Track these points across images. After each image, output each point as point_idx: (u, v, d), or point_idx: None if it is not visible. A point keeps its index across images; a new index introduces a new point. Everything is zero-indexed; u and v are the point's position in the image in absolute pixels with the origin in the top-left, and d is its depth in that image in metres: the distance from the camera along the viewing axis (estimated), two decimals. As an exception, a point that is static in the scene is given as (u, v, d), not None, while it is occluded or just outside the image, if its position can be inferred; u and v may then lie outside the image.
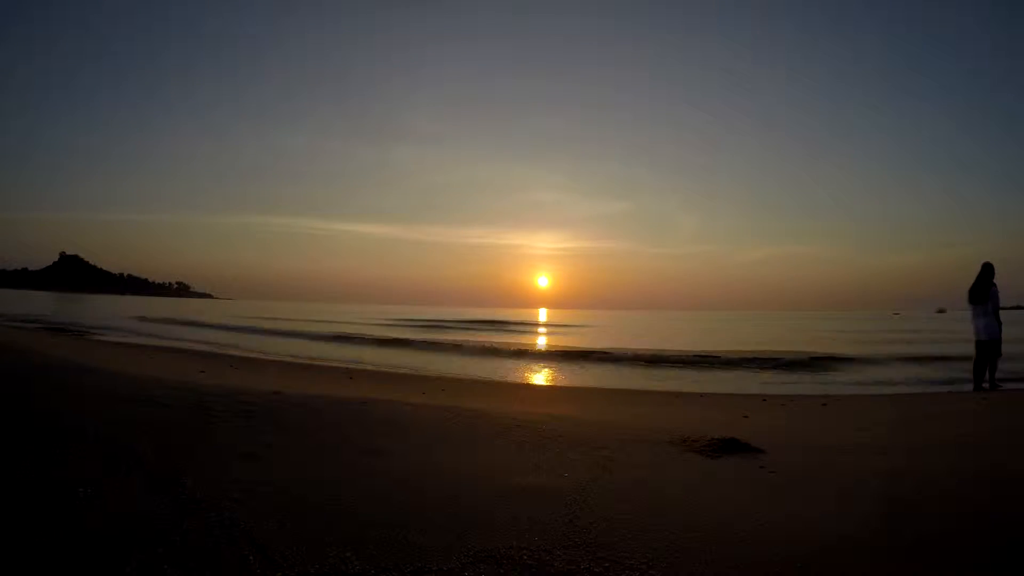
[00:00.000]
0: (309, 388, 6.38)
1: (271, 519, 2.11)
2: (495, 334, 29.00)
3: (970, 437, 4.52)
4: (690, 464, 3.33)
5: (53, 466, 2.51)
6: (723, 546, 2.08)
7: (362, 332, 25.29)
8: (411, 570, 1.80)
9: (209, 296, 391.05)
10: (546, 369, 13.79)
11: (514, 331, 33.13)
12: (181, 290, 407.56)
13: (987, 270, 8.36)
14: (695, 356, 15.55)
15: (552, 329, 38.34)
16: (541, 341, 25.82)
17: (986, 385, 8.27)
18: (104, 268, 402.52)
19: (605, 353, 16.48)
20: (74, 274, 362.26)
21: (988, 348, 8.31)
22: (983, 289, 8.31)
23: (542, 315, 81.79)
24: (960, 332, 24.54)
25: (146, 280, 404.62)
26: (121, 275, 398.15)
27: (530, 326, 41.21)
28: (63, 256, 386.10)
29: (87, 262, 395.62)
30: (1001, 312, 8.37)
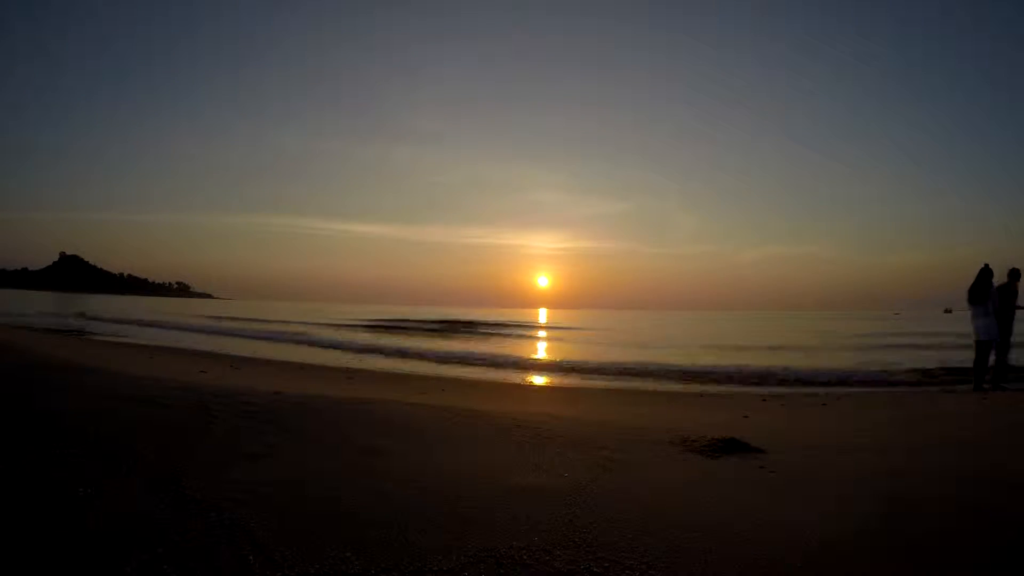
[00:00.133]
0: (309, 388, 6.38)
1: (271, 519, 2.11)
2: (465, 338, 24.64)
3: (970, 437, 4.52)
4: (690, 464, 3.33)
5: (53, 466, 2.51)
6: (723, 546, 2.08)
7: (305, 332, 23.49)
8: (411, 570, 1.80)
9: (209, 296, 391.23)
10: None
11: (491, 333, 28.33)
12: (181, 290, 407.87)
13: (986, 271, 8.41)
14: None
15: (538, 332, 32.72)
16: (516, 347, 20.31)
17: (987, 386, 8.28)
18: (104, 268, 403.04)
19: (579, 368, 13.23)
20: (74, 274, 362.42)
21: (988, 348, 8.34)
22: (982, 290, 8.35)
23: (541, 315, 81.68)
24: (944, 333, 24.49)
25: (146, 280, 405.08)
26: (121, 275, 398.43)
27: (514, 328, 35.01)
28: (63, 256, 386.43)
29: (87, 262, 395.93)
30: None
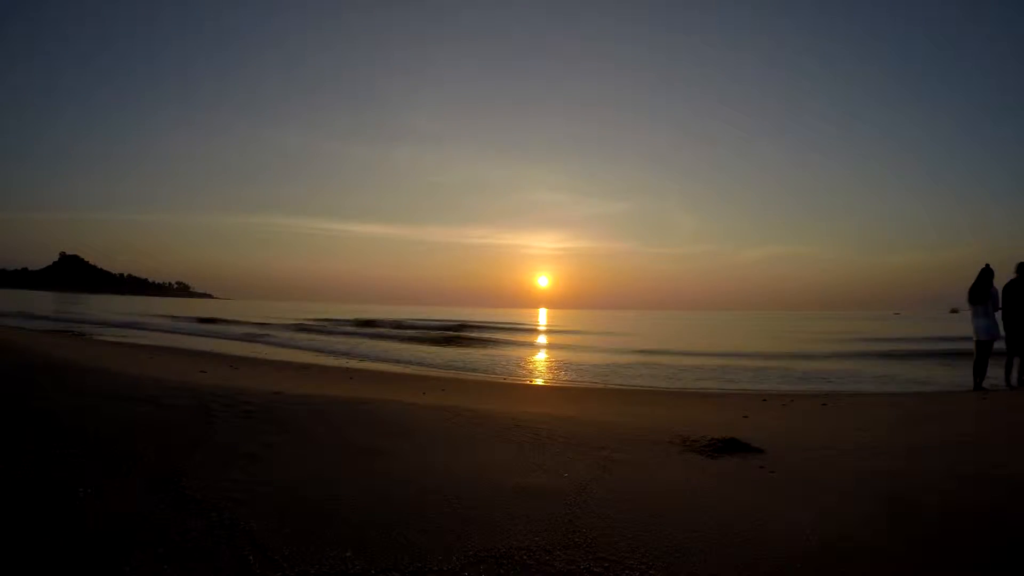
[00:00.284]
0: (309, 388, 6.38)
1: (271, 519, 2.11)
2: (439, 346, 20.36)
3: (970, 437, 4.52)
4: (690, 464, 3.33)
5: (53, 466, 2.51)
6: (723, 546, 2.08)
7: (266, 334, 22.83)
8: (411, 570, 1.80)
9: (209, 296, 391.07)
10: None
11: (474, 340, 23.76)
12: (181, 290, 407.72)
13: (986, 272, 8.40)
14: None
15: (532, 338, 27.05)
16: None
17: (987, 386, 8.27)
18: (104, 268, 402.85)
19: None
20: (74, 274, 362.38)
21: (988, 348, 8.34)
22: (983, 290, 8.34)
23: (541, 316, 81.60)
24: (931, 333, 24.39)
25: (146, 280, 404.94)
26: (121, 275, 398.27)
27: (503, 331, 29.94)
28: (63, 256, 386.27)
29: (87, 262, 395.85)
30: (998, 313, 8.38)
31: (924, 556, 2.02)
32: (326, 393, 5.51)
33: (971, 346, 8.71)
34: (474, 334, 24.84)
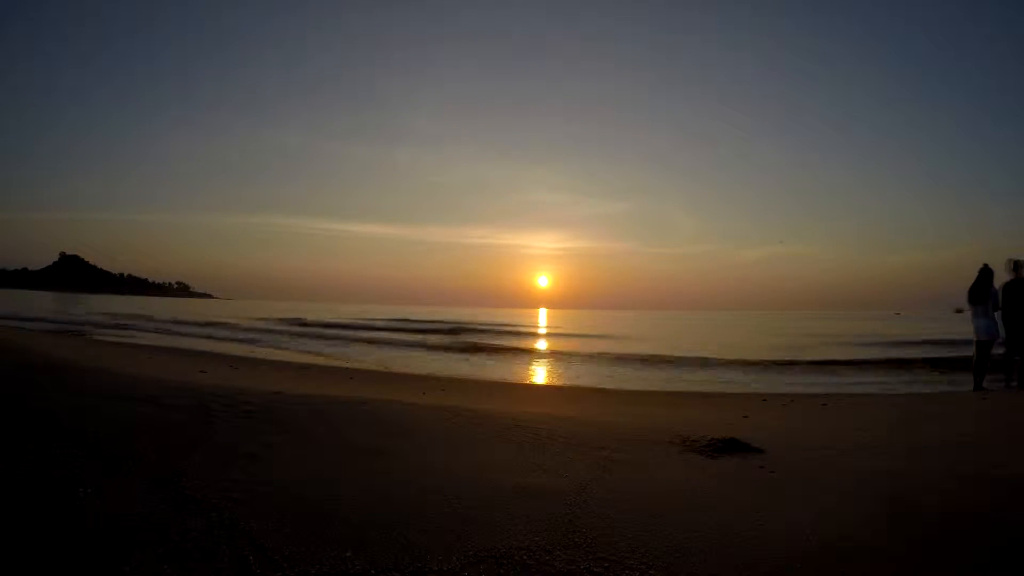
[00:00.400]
0: (309, 388, 6.38)
1: (271, 519, 2.11)
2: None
3: (970, 437, 4.52)
4: (690, 464, 3.33)
5: (53, 466, 2.51)
6: (723, 546, 2.08)
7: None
8: (411, 570, 1.80)
9: (209, 296, 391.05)
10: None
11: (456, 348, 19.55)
12: (181, 290, 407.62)
13: (986, 271, 8.40)
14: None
15: (526, 344, 22.45)
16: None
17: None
18: (104, 268, 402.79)
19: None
20: (74, 274, 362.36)
21: (988, 348, 8.33)
22: (983, 290, 8.34)
23: (541, 316, 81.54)
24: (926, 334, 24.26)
25: (146, 280, 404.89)
26: (121, 275, 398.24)
27: (495, 335, 26.90)
28: (63, 256, 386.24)
29: (87, 262, 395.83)
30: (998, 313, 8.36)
31: (924, 556, 2.02)
32: (326, 393, 5.52)
33: (971, 346, 8.71)
34: (473, 339, 23.55)
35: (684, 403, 7.48)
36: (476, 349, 18.88)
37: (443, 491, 2.57)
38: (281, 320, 35.13)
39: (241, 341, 19.82)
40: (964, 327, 9.66)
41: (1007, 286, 8.25)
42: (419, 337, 23.81)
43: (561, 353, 17.95)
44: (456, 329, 28.97)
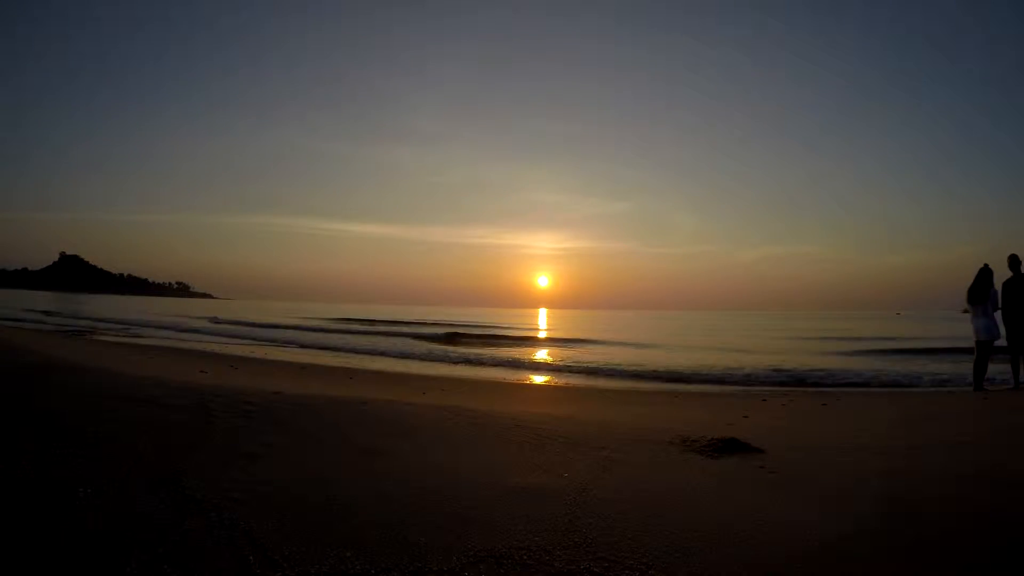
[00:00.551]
0: (309, 388, 6.38)
1: (271, 519, 2.11)
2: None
3: (970, 437, 4.52)
4: (690, 464, 3.33)
5: (53, 466, 2.51)
6: (723, 546, 2.08)
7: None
8: (411, 570, 1.80)
9: (209, 296, 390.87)
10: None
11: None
12: (181, 290, 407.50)
13: (985, 272, 8.40)
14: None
15: (524, 347, 21.84)
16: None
17: (982, 386, 8.26)
18: (104, 268, 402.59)
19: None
20: (74, 274, 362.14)
21: (988, 348, 8.34)
22: (982, 290, 8.34)
23: (541, 316, 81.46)
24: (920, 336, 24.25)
25: (146, 280, 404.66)
26: (121, 275, 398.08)
27: (488, 338, 25.96)
28: (63, 256, 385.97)
29: (87, 262, 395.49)
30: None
31: (924, 556, 2.02)
32: (326, 393, 5.51)
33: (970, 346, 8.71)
34: (462, 348, 19.61)
35: (684, 403, 7.48)
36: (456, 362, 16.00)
37: (443, 491, 2.57)
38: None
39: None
40: (964, 327, 9.61)
41: (1007, 283, 8.25)
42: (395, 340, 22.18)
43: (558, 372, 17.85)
44: (438, 335, 25.66)
